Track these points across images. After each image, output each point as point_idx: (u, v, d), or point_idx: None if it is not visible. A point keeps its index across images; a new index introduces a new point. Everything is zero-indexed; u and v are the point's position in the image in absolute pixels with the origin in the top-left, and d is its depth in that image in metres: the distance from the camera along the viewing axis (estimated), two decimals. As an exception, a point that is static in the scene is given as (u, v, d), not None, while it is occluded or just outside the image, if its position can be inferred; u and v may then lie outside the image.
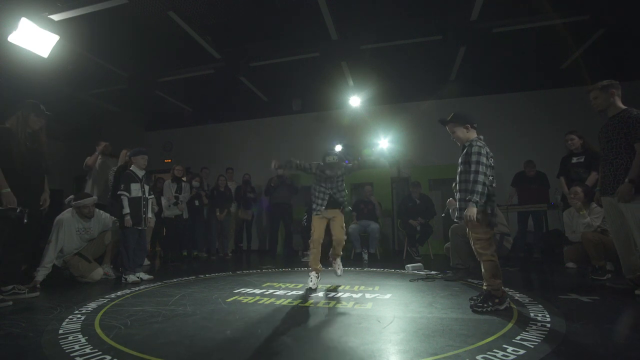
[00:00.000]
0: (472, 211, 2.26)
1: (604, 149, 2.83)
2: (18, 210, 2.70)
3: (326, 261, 3.62)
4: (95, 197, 4.07)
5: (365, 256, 5.58)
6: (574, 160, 4.29)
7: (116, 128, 7.69)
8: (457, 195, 2.48)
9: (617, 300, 2.61)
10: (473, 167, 2.31)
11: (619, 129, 2.67)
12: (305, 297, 2.88)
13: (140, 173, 3.99)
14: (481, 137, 2.46)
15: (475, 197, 2.26)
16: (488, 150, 2.37)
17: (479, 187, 2.26)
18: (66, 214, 3.87)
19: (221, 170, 6.95)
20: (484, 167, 2.29)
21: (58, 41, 4.28)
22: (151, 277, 3.92)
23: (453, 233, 3.77)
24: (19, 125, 2.97)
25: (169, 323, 2.20)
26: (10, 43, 4.02)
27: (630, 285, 2.81)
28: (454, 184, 3.83)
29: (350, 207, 3.46)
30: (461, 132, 2.46)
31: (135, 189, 3.90)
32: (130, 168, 4.01)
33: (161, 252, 6.12)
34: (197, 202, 5.96)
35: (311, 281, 3.25)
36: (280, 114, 8.02)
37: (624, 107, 2.74)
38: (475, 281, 3.35)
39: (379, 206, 6.16)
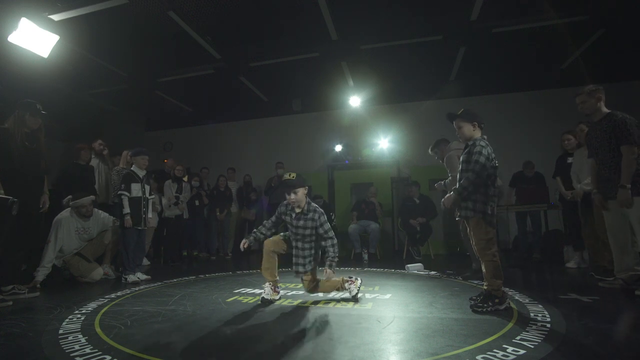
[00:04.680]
0: (449, 199, 2.41)
1: (597, 153, 2.89)
2: (8, 202, 2.54)
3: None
4: (92, 197, 4.07)
5: (365, 256, 5.58)
6: (570, 160, 4.29)
7: (116, 128, 7.69)
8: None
9: (617, 300, 2.61)
10: (471, 166, 2.33)
11: (609, 132, 2.75)
12: (304, 297, 2.88)
13: (141, 173, 4.00)
14: (485, 137, 2.47)
15: (459, 188, 2.37)
16: (491, 150, 2.38)
17: (465, 182, 2.34)
18: (64, 214, 3.87)
19: (221, 170, 6.95)
20: (480, 167, 2.30)
21: (58, 41, 4.28)
22: (148, 277, 3.92)
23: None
24: (16, 125, 2.98)
25: (169, 323, 2.20)
26: (10, 43, 4.02)
27: (622, 285, 2.84)
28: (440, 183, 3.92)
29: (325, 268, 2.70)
30: (467, 129, 2.47)
31: (136, 189, 3.91)
32: (131, 168, 4.03)
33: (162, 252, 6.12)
34: (197, 202, 5.96)
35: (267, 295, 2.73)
36: (280, 114, 8.02)
37: (608, 111, 2.84)
38: (476, 281, 3.35)
39: (379, 207, 6.16)
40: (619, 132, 2.67)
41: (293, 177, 2.75)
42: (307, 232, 2.72)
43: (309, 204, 2.78)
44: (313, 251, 2.78)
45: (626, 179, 2.61)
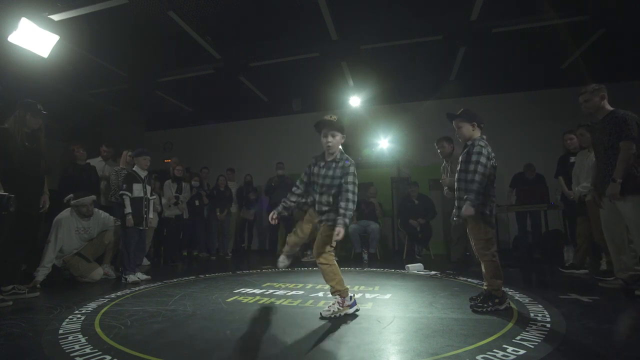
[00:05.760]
0: (469, 211, 2.27)
1: (598, 151, 2.89)
2: (4, 198, 2.49)
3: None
4: (93, 196, 4.07)
5: (365, 256, 5.58)
6: (572, 159, 4.29)
7: (116, 128, 7.69)
8: (456, 194, 2.49)
9: (617, 300, 2.61)
10: (472, 167, 2.32)
11: (609, 130, 2.74)
12: (304, 297, 2.88)
13: (143, 173, 4.01)
14: (484, 137, 2.48)
15: (472, 196, 2.28)
16: (490, 150, 2.38)
17: (476, 187, 2.28)
18: (65, 214, 3.87)
19: (221, 170, 6.95)
20: (483, 168, 2.30)
21: (58, 41, 4.28)
22: (148, 277, 3.92)
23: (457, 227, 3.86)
24: (17, 125, 2.98)
25: (169, 323, 2.20)
26: (10, 43, 4.02)
27: (622, 285, 2.84)
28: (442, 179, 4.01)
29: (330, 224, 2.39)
30: (467, 129, 2.48)
31: (137, 189, 3.92)
32: (133, 168, 4.03)
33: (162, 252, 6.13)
34: (197, 202, 5.96)
35: (281, 262, 2.58)
36: (280, 114, 8.02)
37: (611, 108, 2.83)
38: (475, 281, 3.35)
39: (379, 207, 6.16)
40: (619, 128, 2.66)
41: (334, 119, 2.45)
42: (336, 182, 2.37)
43: (342, 153, 2.46)
44: (335, 205, 2.37)
45: (618, 173, 2.62)
